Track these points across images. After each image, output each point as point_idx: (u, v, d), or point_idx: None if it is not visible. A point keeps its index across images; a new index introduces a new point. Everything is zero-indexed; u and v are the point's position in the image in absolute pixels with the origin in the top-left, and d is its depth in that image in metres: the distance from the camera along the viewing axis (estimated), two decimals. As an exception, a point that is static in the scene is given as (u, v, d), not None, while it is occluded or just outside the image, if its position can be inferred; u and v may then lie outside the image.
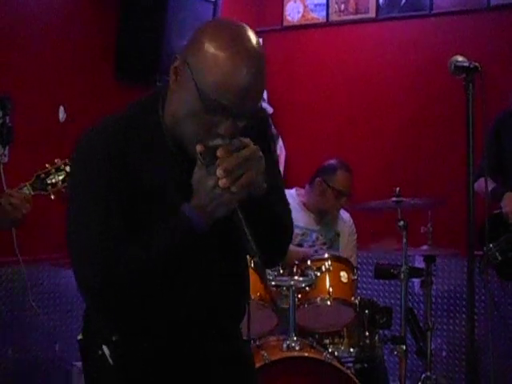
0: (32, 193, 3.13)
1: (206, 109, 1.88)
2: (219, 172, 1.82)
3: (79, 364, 4.47)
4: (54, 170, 3.12)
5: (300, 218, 4.58)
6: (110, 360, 2.06)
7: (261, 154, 1.89)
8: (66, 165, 3.14)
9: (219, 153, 1.84)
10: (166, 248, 1.90)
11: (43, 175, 3.11)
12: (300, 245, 4.56)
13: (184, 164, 1.97)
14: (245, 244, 1.85)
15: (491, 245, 3.98)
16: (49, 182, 3.11)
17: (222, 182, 1.82)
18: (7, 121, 4.19)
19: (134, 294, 1.91)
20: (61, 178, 3.11)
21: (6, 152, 4.19)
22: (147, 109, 2.07)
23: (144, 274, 1.90)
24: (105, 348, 2.07)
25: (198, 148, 1.87)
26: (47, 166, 3.19)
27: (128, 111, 2.10)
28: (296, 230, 4.56)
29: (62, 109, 4.60)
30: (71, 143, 4.51)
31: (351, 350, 4.06)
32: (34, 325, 4.29)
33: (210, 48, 1.87)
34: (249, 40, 1.90)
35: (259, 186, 1.90)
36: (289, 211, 2.16)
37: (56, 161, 3.19)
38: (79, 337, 2.18)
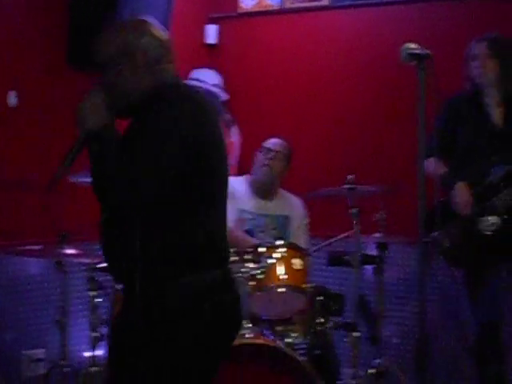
0: None
1: None
2: None
3: (30, 353, 4.44)
4: None
5: (249, 202, 4.66)
6: None
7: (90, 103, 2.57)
8: None
9: None
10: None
11: None
12: (250, 230, 4.58)
13: None
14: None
15: (437, 232, 3.99)
16: None
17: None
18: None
19: None
20: None
21: None
22: None
23: None
24: None
25: None
26: None
27: None
28: (245, 215, 4.60)
29: (12, 94, 4.52)
30: (22, 128, 4.51)
31: (303, 337, 4.06)
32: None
33: None
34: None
35: (82, 124, 2.55)
36: (123, 175, 2.45)
37: None
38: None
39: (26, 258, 4.33)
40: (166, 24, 5.07)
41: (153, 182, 2.44)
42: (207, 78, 5.62)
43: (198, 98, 2.59)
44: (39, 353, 4.48)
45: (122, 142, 2.55)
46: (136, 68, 2.60)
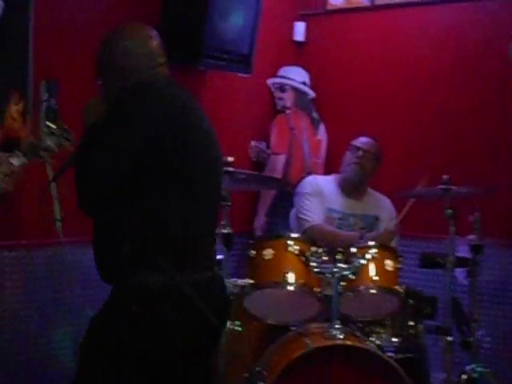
0: (26, 160, 3.06)
1: None
2: None
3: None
4: (45, 135, 3.02)
5: (337, 201, 4.61)
6: None
7: None
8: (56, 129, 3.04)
9: None
10: None
11: (35, 141, 3.00)
12: (339, 229, 4.54)
13: None
14: None
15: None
16: (41, 147, 3.00)
17: None
18: (53, 103, 4.16)
19: None
20: (52, 142, 3.00)
21: (50, 134, 4.18)
22: None
23: None
24: None
25: None
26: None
27: None
28: (334, 214, 4.55)
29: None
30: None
31: (394, 339, 4.00)
32: None
33: None
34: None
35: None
36: (79, 170, 2.64)
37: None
38: None
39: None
40: (255, 21, 5.06)
41: (102, 176, 2.59)
42: (295, 76, 5.59)
43: (161, 93, 2.70)
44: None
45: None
46: (118, 78, 2.78)
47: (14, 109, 4.11)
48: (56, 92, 4.16)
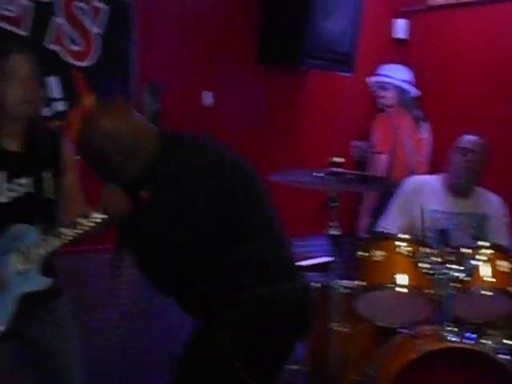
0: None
1: None
2: None
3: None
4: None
5: (443, 201, 4.48)
6: None
7: None
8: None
9: None
10: None
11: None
12: (445, 230, 4.42)
13: None
14: None
15: None
16: None
17: None
18: (157, 107, 4.22)
19: None
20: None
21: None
22: None
23: None
24: None
25: None
26: None
27: None
28: (438, 215, 4.44)
29: (207, 93, 4.60)
30: (216, 128, 4.59)
31: (507, 341, 3.89)
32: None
33: None
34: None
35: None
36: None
37: None
38: None
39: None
40: (356, 20, 5.03)
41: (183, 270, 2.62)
42: (397, 74, 5.53)
43: (204, 160, 2.65)
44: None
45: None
46: (118, 166, 2.67)
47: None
48: (159, 95, 4.22)
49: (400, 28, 5.81)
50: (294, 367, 3.87)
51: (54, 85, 3.92)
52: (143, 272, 2.67)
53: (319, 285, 3.91)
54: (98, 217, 2.81)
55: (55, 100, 3.92)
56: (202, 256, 2.61)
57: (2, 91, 2.87)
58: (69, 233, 2.84)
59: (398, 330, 3.80)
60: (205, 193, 2.58)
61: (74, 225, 2.84)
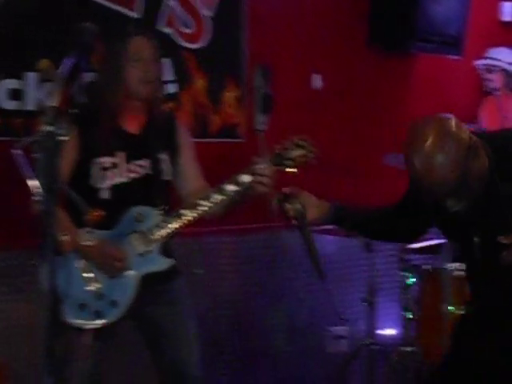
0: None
1: None
2: None
3: (334, 329, 4.53)
4: (291, 146, 2.96)
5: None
6: None
7: None
8: (302, 142, 2.98)
9: None
10: None
11: (282, 151, 2.91)
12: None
13: None
14: None
15: None
16: (286, 157, 2.89)
17: None
18: (268, 90, 4.27)
19: None
20: (298, 153, 2.93)
21: (265, 120, 4.28)
22: None
23: None
24: None
25: None
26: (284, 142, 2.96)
27: None
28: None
29: (316, 76, 4.63)
30: (325, 110, 4.61)
31: None
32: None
33: None
34: None
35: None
36: None
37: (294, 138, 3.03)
38: None
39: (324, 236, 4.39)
40: (464, 2, 4.98)
41: None
42: (504, 57, 5.43)
43: None
44: (342, 329, 4.55)
45: None
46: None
47: (230, 95, 4.25)
48: (269, 78, 4.28)
49: (508, 11, 5.71)
50: (408, 349, 3.90)
51: (165, 67, 3.92)
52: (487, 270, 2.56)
53: (430, 267, 3.92)
54: (218, 198, 2.86)
55: (167, 82, 3.93)
56: None
57: (125, 72, 2.91)
58: (189, 214, 2.90)
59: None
60: None
61: (194, 206, 2.89)
